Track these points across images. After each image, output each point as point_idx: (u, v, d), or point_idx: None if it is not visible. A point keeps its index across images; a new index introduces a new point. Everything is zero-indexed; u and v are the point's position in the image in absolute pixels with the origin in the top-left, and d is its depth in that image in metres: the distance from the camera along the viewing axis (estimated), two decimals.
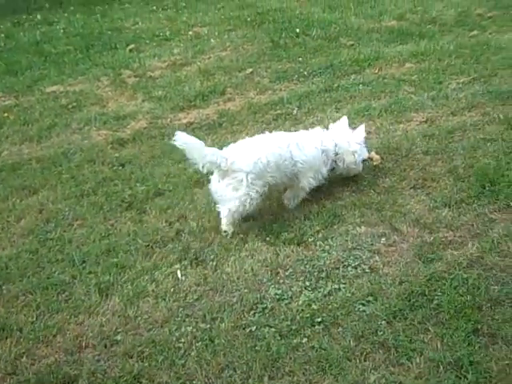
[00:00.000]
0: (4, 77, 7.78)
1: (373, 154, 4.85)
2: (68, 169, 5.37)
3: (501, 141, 4.86)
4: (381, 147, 4.97)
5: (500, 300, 3.31)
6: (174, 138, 4.11)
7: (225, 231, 4.22)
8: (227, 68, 7.19)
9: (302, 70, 6.86)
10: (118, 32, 9.12)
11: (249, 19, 8.90)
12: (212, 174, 4.26)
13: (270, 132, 4.58)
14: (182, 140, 4.10)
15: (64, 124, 6.25)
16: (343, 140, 4.54)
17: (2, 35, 9.81)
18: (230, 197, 4.17)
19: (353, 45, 7.52)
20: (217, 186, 4.22)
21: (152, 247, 4.17)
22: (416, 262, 3.69)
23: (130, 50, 8.16)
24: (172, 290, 3.72)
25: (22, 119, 6.47)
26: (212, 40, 8.24)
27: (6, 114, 6.59)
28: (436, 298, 3.37)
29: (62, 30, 9.58)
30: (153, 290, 3.74)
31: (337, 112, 5.72)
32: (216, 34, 8.53)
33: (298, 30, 8.06)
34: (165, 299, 3.65)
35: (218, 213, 4.26)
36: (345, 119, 4.66)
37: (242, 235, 4.15)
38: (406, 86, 6.15)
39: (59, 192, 4.99)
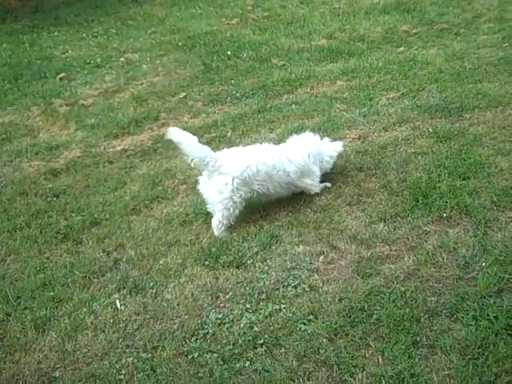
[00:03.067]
0: None
1: None
2: (1, 202, 5.20)
3: (431, 154, 4.98)
4: None
5: (437, 311, 3.37)
6: (167, 133, 4.25)
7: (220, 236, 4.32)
8: (160, 93, 7.15)
9: (234, 92, 6.90)
10: (48, 61, 8.95)
11: (180, 43, 8.89)
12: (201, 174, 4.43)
13: None
14: (176, 134, 4.23)
15: None
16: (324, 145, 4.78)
17: None
18: (215, 199, 4.29)
19: (284, 65, 7.61)
20: (204, 187, 4.39)
21: (89, 278, 4.09)
22: (355, 278, 3.73)
23: (61, 79, 8.01)
24: (111, 320, 3.65)
25: None
26: (144, 66, 8.20)
27: None
28: (375, 312, 3.41)
29: None
30: (91, 322, 3.66)
31: (271, 133, 5.77)
32: (148, 59, 8.49)
33: (229, 53, 8.11)
34: (104, 331, 3.57)
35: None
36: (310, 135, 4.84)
37: (180, 260, 4.11)
38: (337, 103, 6.25)
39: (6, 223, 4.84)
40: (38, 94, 7.54)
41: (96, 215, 4.81)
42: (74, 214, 4.87)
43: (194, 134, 5.79)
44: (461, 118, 5.60)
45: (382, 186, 4.65)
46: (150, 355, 3.34)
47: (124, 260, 4.22)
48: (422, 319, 3.33)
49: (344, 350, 3.19)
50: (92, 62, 8.68)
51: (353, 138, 5.47)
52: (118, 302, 3.80)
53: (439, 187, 4.47)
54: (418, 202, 4.36)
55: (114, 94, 7.31)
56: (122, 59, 8.58)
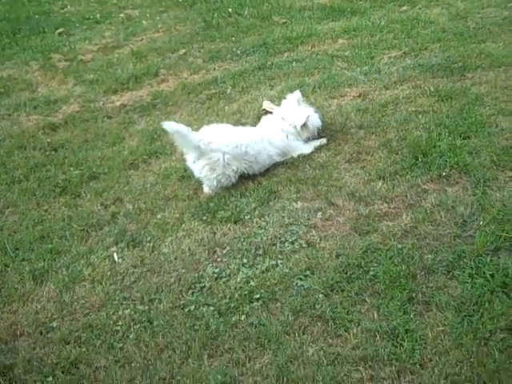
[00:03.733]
0: None
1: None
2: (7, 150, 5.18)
3: (432, 113, 4.94)
4: None
5: (433, 268, 3.38)
6: (163, 127, 4.24)
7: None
8: (160, 49, 7.07)
9: (235, 50, 6.81)
10: (47, 16, 8.82)
11: (180, 0, 8.74)
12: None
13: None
14: (172, 127, 4.20)
15: None
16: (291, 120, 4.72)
17: None
18: (208, 177, 4.29)
19: (285, 23, 7.50)
20: (194, 166, 4.35)
21: (87, 231, 4.09)
22: (352, 235, 3.73)
23: (60, 34, 7.91)
24: (109, 273, 3.67)
25: None
26: (144, 22, 8.09)
27: None
28: (372, 269, 3.42)
29: None
30: (89, 274, 3.67)
31: (271, 90, 5.72)
32: (148, 15, 8.37)
33: (230, 10, 7.99)
34: (101, 283, 3.59)
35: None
36: (297, 93, 4.80)
37: (177, 215, 4.11)
38: (339, 61, 6.18)
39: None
40: (36, 49, 7.45)
41: (94, 169, 4.80)
42: (72, 168, 4.86)
43: (193, 91, 5.89)
44: (463, 77, 5.54)
45: (381, 143, 4.62)
46: (146, 307, 3.36)
47: (122, 214, 4.22)
48: (418, 276, 3.34)
49: (340, 305, 3.21)
50: (91, 17, 8.56)
51: (353, 96, 5.42)
52: (115, 254, 3.81)
53: (439, 146, 4.44)
54: (417, 160, 4.33)
55: (113, 50, 7.23)
56: (121, 15, 8.46)
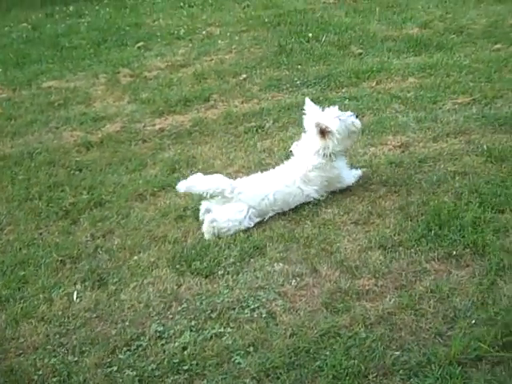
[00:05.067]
0: (10, 69, 7.82)
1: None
2: (27, 169, 5.28)
3: (472, 175, 4.35)
4: None
5: (393, 370, 2.88)
6: (177, 190, 4.25)
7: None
8: (223, 72, 6.91)
9: (296, 79, 6.49)
10: (137, 28, 9.01)
11: (266, 20, 8.54)
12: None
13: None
14: (185, 185, 4.18)
15: (44, 122, 6.19)
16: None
17: (29, 26, 9.93)
18: (226, 225, 4.07)
19: (361, 54, 7.05)
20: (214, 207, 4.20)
21: (64, 263, 4.00)
22: (320, 312, 3.31)
23: (139, 48, 8.02)
24: (60, 313, 3.53)
25: (8, 114, 6.45)
26: (220, 41, 7.97)
27: None
28: (321, 358, 2.99)
29: (86, 24, 9.56)
30: (43, 311, 3.55)
31: None
32: (228, 34, 8.24)
33: (310, 35, 7.65)
34: (48, 323, 3.45)
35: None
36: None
37: (154, 259, 3.90)
38: (397, 103, 5.67)
39: (7, 193, 4.91)
40: (111, 62, 7.61)
41: (104, 196, 4.72)
42: (84, 191, 4.81)
43: (235, 122, 5.66)
44: None
45: (399, 206, 4.12)
46: (75, 359, 3.18)
47: (104, 249, 4.08)
48: (370, 377, 2.87)
49: None
50: (175, 32, 8.60)
51: (393, 146, 4.92)
52: (75, 293, 3.68)
53: (462, 217, 3.86)
54: (430, 231, 3.80)
55: (179, 69, 7.18)
56: (203, 32, 8.42)
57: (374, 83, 6.19)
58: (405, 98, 5.76)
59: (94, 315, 3.48)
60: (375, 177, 4.50)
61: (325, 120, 4.30)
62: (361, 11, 8.56)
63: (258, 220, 4.17)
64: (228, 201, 4.18)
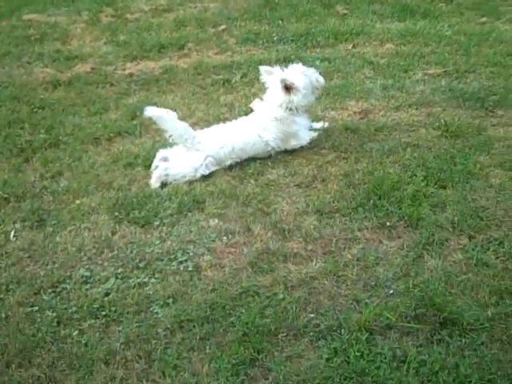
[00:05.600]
0: None
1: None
2: None
3: (423, 149, 4.38)
4: None
5: (303, 331, 2.94)
6: (144, 112, 4.20)
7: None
8: (204, 21, 6.85)
9: (274, 35, 6.43)
10: None
11: None
12: None
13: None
14: (154, 112, 4.17)
15: (17, 56, 6.18)
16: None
17: None
18: (182, 171, 4.16)
19: (345, 14, 6.97)
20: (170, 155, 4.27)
21: (8, 201, 4.05)
22: (244, 270, 3.37)
23: None
24: None
25: None
26: None
27: None
28: (236, 315, 3.07)
29: None
30: None
31: None
32: None
33: None
34: None
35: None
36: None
37: (95, 204, 3.96)
38: (368, 69, 5.64)
39: None
40: (95, 0, 7.48)
41: (60, 137, 4.75)
42: (43, 131, 4.84)
43: (204, 73, 5.63)
44: (491, 114, 4.86)
45: (344, 173, 4.15)
46: (1, 296, 3.27)
47: (50, 190, 4.13)
48: (280, 336, 2.95)
49: (176, 346, 2.92)
50: None
51: (354, 112, 4.92)
52: (12, 232, 3.75)
53: (403, 190, 3.91)
54: (369, 201, 3.85)
55: (161, 13, 7.11)
56: None
57: (351, 46, 6.14)
58: (377, 64, 5.72)
59: (27, 255, 3.56)
60: (328, 141, 4.52)
61: (290, 75, 4.37)
62: None
63: (214, 168, 4.25)
64: (187, 150, 4.23)
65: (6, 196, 4.08)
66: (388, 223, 3.68)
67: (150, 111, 4.18)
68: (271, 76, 4.49)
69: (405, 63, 5.70)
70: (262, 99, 4.71)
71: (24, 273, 3.42)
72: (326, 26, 6.57)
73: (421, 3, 7.22)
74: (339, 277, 3.30)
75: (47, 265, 3.48)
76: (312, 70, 4.50)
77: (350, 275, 3.30)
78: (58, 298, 3.24)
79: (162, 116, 4.18)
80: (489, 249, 3.41)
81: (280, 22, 6.75)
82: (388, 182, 3.96)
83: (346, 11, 7.05)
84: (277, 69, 4.49)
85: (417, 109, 4.94)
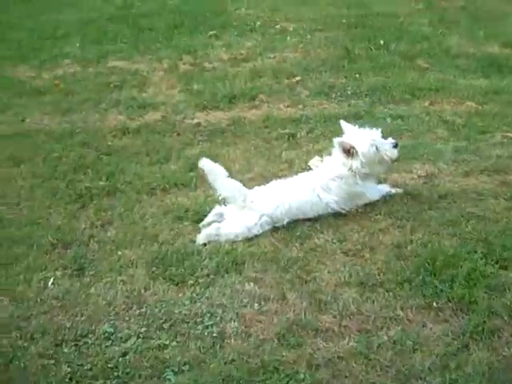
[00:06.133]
0: (88, 45, 8.10)
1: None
2: (63, 148, 5.46)
3: (488, 222, 4.03)
4: None
5: None
6: (200, 163, 4.17)
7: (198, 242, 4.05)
8: (280, 71, 6.80)
9: (348, 89, 6.27)
10: (216, 15, 9.02)
11: (344, 21, 8.29)
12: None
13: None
14: (206, 165, 4.15)
15: (96, 102, 6.39)
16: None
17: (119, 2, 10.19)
18: (234, 224, 4.07)
19: (427, 68, 6.70)
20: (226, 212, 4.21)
21: (55, 247, 4.10)
22: (271, 342, 3.19)
23: (210, 36, 8.03)
24: (32, 295, 3.61)
25: (68, 89, 6.72)
26: (289, 38, 7.83)
27: (57, 82, 6.88)
28: None
29: (171, 4, 9.65)
30: (18, 291, 3.65)
31: None
32: (300, 32, 8.08)
33: (381, 42, 7.34)
34: (17, 304, 3.54)
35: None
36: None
37: (135, 258, 3.92)
38: (441, 128, 5.34)
39: (36, 168, 5.12)
40: (178, 48, 7.69)
41: (119, 185, 4.79)
42: (103, 178, 4.90)
43: (271, 126, 5.56)
44: None
45: (395, 243, 3.89)
46: (25, 344, 3.23)
47: (96, 239, 4.16)
48: None
49: None
50: (252, 24, 8.55)
51: (418, 176, 4.64)
52: (52, 279, 3.77)
53: (459, 267, 3.59)
54: (417, 276, 3.57)
55: (239, 63, 7.15)
56: (278, 26, 8.29)
57: (428, 103, 5.87)
58: (453, 123, 5.42)
59: (59, 304, 3.55)
60: (385, 206, 4.27)
61: (354, 140, 4.21)
62: (446, 22, 8.09)
63: (269, 227, 4.12)
64: (240, 209, 4.15)
65: (54, 242, 4.13)
66: (435, 304, 3.38)
67: (204, 163, 4.15)
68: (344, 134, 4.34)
69: (483, 124, 5.36)
70: (322, 158, 4.55)
71: (51, 323, 3.41)
72: (404, 80, 6.34)
73: (511, 58, 6.82)
74: (370, 360, 3.06)
75: (76, 316, 3.46)
76: (389, 140, 4.27)
77: (383, 360, 3.05)
78: (77, 352, 3.20)
79: (213, 170, 4.13)
80: None
81: (357, 75, 6.59)
82: (442, 257, 3.67)
83: (427, 65, 6.79)
84: (351, 128, 4.33)
85: (489, 175, 4.60)
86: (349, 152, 4.20)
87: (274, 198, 4.16)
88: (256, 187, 4.33)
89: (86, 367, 3.09)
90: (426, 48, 7.22)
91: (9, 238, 4.20)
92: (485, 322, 3.21)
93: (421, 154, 4.90)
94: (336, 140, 4.24)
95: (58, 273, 3.84)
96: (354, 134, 4.28)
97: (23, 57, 7.99)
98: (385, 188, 4.42)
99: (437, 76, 6.42)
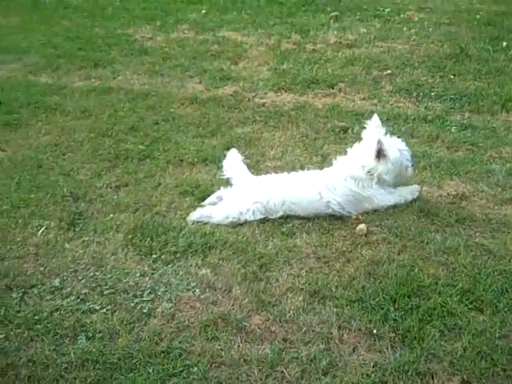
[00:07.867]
0: (214, 12, 8.31)
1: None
2: (130, 108, 5.73)
3: (492, 257, 3.56)
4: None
5: None
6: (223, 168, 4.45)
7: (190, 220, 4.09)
8: (375, 62, 6.42)
9: (435, 89, 5.75)
10: None
11: (478, 16, 7.53)
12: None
13: None
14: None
15: (185, 68, 6.57)
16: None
17: None
18: (227, 206, 4.09)
19: None
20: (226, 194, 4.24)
21: (65, 199, 4.31)
22: (191, 330, 3.16)
23: (331, 18, 7.79)
24: (19, 239, 3.89)
25: (169, 53, 7.00)
26: (407, 29, 7.31)
27: (164, 45, 7.21)
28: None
29: None
30: (13, 234, 3.95)
31: None
32: (425, 23, 7.50)
33: (504, 43, 6.59)
34: (2, 246, 3.83)
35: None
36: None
37: (120, 223, 4.04)
38: (510, 147, 4.72)
39: (98, 124, 5.45)
40: (293, 26, 7.65)
41: (155, 152, 4.90)
42: (146, 142, 5.07)
43: (333, 118, 5.37)
44: None
45: (375, 260, 3.58)
46: None
47: (102, 199, 4.29)
48: None
49: None
50: (381, 9, 8.11)
51: (447, 194, 4.18)
52: (42, 229, 4.01)
53: (428, 298, 3.25)
54: (374, 298, 3.28)
55: (342, 48, 6.87)
56: (402, 15, 7.78)
57: None
58: None
59: (34, 252, 3.78)
60: (390, 219, 3.94)
61: (388, 143, 4.03)
62: None
63: (262, 217, 4.03)
64: (238, 193, 4.16)
65: (67, 194, 4.37)
66: (375, 330, 3.11)
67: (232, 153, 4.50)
68: (373, 132, 4.10)
69: None
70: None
71: (18, 267, 3.64)
72: (503, 89, 5.65)
73: None
74: (275, 371, 2.92)
75: (41, 266, 3.67)
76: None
77: (287, 375, 2.91)
78: (20, 299, 3.40)
79: (232, 156, 4.47)
80: None
81: (452, 76, 6.00)
82: (414, 284, 3.34)
83: None
84: (377, 129, 4.13)
85: None
86: (379, 154, 3.97)
87: (268, 189, 4.07)
88: (263, 175, 4.26)
89: (17, 314, 3.29)
90: None
91: (36, 184, 4.53)
92: (419, 362, 2.87)
93: (466, 171, 4.40)
94: (378, 138, 4.00)
95: (53, 224, 4.07)
96: (385, 138, 4.06)
97: (151, 18, 8.43)
98: (403, 192, 4.11)
99: None
